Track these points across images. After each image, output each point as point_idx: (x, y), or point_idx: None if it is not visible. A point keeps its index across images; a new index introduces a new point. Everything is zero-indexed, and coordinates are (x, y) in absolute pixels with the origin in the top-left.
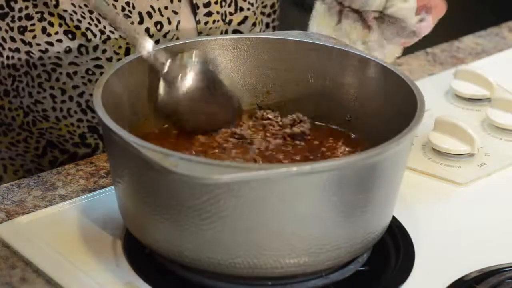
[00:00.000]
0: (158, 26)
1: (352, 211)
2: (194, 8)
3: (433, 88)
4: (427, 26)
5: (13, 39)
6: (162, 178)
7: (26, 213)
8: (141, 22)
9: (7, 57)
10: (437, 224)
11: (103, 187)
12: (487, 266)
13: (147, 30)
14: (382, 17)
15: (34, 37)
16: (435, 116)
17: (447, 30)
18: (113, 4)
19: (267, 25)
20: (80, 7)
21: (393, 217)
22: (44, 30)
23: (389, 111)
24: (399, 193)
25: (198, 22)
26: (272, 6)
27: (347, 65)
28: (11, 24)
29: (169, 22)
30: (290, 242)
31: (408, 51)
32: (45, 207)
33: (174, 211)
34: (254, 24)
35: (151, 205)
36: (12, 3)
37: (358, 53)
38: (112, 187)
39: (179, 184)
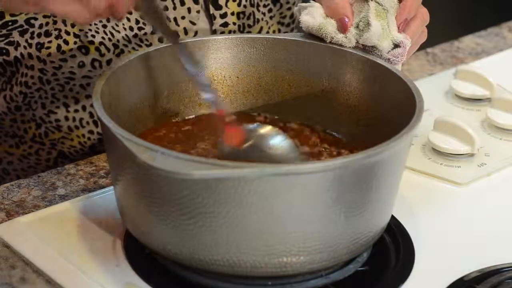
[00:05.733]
0: None
1: (337, 215)
2: (211, 18)
3: (433, 88)
4: (400, 52)
5: (30, 56)
6: (144, 172)
7: (26, 213)
8: (154, 32)
9: (22, 74)
10: (437, 224)
11: (103, 187)
12: (487, 266)
13: (160, 40)
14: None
15: (49, 55)
16: (435, 116)
17: (447, 30)
18: (127, 17)
19: None
20: (95, 23)
21: (393, 217)
22: (59, 48)
23: (388, 111)
24: (399, 193)
25: (214, 32)
26: (292, 16)
27: (351, 66)
28: (30, 41)
29: (186, 33)
30: (269, 243)
31: None
32: (45, 207)
33: (157, 205)
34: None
35: (138, 198)
36: (32, 20)
37: (364, 55)
38: (112, 187)
39: (159, 178)
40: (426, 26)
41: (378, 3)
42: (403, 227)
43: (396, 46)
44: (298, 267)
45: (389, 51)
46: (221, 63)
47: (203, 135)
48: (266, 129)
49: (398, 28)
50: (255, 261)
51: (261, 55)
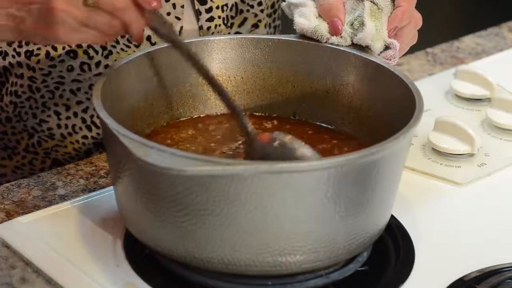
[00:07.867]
0: None
1: (331, 215)
2: (196, 14)
3: (433, 88)
4: (392, 54)
5: (19, 65)
6: (140, 168)
7: (26, 213)
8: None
9: (12, 83)
10: (437, 224)
11: (103, 187)
12: (487, 266)
13: (148, 38)
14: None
15: (38, 62)
16: (435, 116)
17: (447, 30)
18: None
19: (269, 26)
20: None
21: (393, 217)
22: (47, 54)
23: (388, 111)
24: (399, 193)
25: (200, 28)
26: (273, 6)
27: (355, 68)
28: (18, 49)
29: None
30: (263, 242)
31: (408, 51)
32: (45, 207)
33: (152, 202)
34: (255, 26)
35: (135, 195)
36: None
37: (367, 57)
38: (112, 187)
39: (154, 174)
40: (427, 26)
41: (373, 3)
42: (403, 227)
43: (387, 47)
44: (292, 266)
45: (381, 52)
46: (226, 63)
47: (209, 134)
48: (289, 136)
49: (388, 33)
50: (249, 260)
51: (266, 56)
